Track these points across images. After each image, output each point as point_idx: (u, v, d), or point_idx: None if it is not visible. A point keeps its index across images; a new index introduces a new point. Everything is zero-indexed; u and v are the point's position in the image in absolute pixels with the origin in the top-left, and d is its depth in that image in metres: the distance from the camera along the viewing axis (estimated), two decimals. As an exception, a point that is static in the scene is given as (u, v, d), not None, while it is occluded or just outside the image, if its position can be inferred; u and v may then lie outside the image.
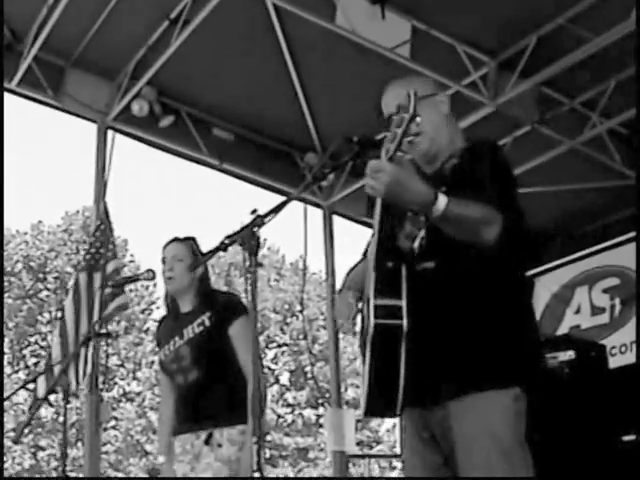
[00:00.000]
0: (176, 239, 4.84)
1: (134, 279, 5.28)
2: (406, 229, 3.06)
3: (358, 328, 3.18)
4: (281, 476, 29.24)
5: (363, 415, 3.01)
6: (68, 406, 5.11)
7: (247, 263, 2.92)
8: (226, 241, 3.02)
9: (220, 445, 4.44)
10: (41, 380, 7.86)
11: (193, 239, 4.86)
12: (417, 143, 3.11)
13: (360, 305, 3.20)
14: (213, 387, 4.54)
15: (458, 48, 8.63)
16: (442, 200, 2.74)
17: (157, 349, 4.90)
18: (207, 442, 4.48)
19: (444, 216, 2.76)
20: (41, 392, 7.62)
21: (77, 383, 7.80)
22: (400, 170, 2.75)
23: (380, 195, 2.81)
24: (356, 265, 3.45)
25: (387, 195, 2.77)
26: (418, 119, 2.78)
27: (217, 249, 3.08)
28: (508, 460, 2.83)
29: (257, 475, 2.77)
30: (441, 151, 3.18)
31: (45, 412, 26.73)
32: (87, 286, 8.18)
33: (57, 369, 7.81)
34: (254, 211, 2.99)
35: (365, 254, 3.45)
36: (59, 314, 26.10)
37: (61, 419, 5.04)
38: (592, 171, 10.20)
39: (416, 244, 3.04)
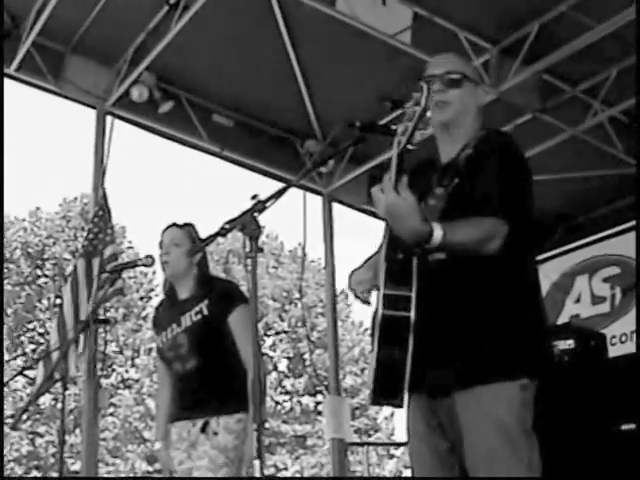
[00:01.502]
0: (175, 224, 4.83)
1: (133, 264, 5.27)
2: None
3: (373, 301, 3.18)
4: (281, 465, 29.29)
5: (370, 402, 3.01)
6: (66, 393, 5.10)
7: (247, 248, 2.90)
8: (226, 226, 3.01)
9: (216, 433, 4.43)
10: (40, 366, 7.85)
11: (192, 225, 4.84)
12: (443, 109, 3.14)
13: (372, 282, 3.22)
14: (211, 375, 4.53)
15: (460, 35, 8.58)
16: (438, 235, 2.74)
17: (155, 336, 4.88)
18: (203, 430, 4.47)
19: (441, 247, 2.78)
20: (39, 378, 7.60)
21: (76, 369, 7.78)
22: (396, 207, 2.73)
23: None
24: (372, 256, 3.42)
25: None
26: (429, 113, 2.79)
27: (217, 234, 3.07)
28: (514, 449, 2.83)
29: (257, 462, 2.76)
30: (459, 135, 3.19)
31: (43, 399, 26.71)
32: (85, 272, 8.16)
33: (55, 355, 7.79)
34: (254, 196, 2.98)
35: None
36: (57, 301, 26.02)
37: (59, 406, 5.03)
38: (593, 159, 10.19)
39: None
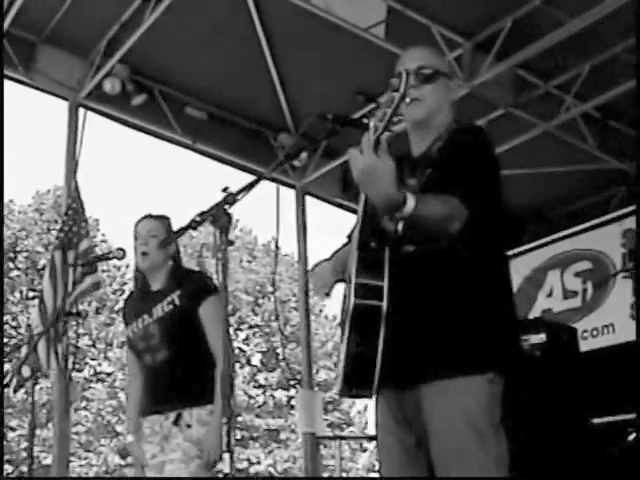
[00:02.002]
0: (150, 215, 4.79)
1: (105, 257, 5.25)
2: None
3: (335, 296, 3.18)
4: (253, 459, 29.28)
5: (339, 394, 3.00)
6: (37, 387, 5.07)
7: (218, 241, 2.88)
8: (197, 219, 2.99)
9: (189, 426, 4.41)
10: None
11: (168, 218, 4.81)
12: (415, 106, 3.13)
13: (338, 276, 3.21)
14: (182, 367, 4.50)
15: (433, 29, 8.59)
16: (410, 203, 2.71)
17: (125, 327, 4.85)
18: (176, 423, 4.45)
19: (410, 217, 2.74)
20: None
21: (47, 363, 7.75)
22: (374, 169, 2.69)
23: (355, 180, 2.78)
24: (341, 248, 3.42)
25: (359, 184, 2.75)
26: (407, 99, 2.79)
27: (188, 227, 3.05)
28: (482, 442, 2.82)
29: (227, 455, 2.75)
30: (432, 129, 3.18)
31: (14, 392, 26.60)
32: (62, 264, 8.13)
33: (24, 349, 7.75)
34: (225, 189, 2.97)
35: (350, 237, 3.43)
36: (30, 294, 25.77)
37: (31, 399, 5.01)
38: (566, 154, 10.23)
39: (399, 226, 3.02)
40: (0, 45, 7.94)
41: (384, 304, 2.81)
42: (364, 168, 2.69)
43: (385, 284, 2.83)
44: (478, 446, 2.81)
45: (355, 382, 2.89)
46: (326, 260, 3.34)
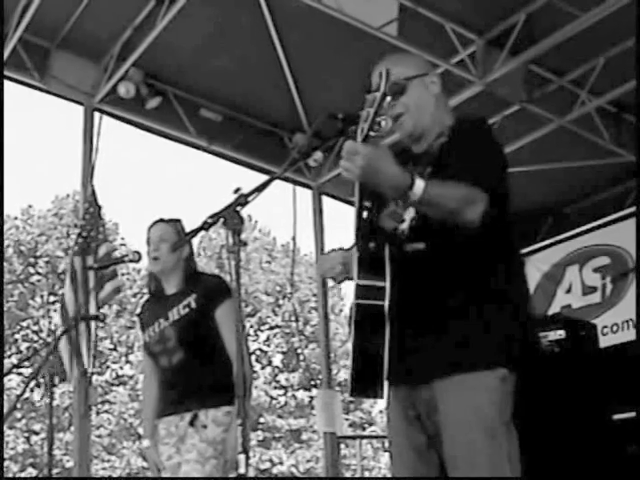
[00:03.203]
0: (161, 220, 4.80)
1: (120, 261, 5.26)
2: (389, 208, 3.02)
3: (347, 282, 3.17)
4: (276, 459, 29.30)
5: (349, 394, 2.99)
6: (58, 390, 5.09)
7: (230, 243, 2.89)
8: (209, 220, 2.99)
9: (205, 426, 4.42)
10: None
11: (179, 220, 4.82)
12: (402, 122, 3.11)
13: (347, 266, 3.18)
14: (198, 369, 4.52)
15: (446, 26, 8.58)
16: (419, 184, 2.70)
17: (141, 332, 4.86)
18: (192, 423, 4.46)
19: (422, 199, 2.72)
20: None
21: (71, 367, 7.79)
22: (375, 153, 2.69)
23: (355, 178, 2.76)
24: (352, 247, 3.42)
25: (362, 178, 2.74)
26: (388, 98, 2.77)
27: (199, 229, 3.05)
28: (493, 440, 2.82)
29: (243, 457, 2.75)
30: (428, 131, 3.15)
31: (38, 396, 26.74)
32: (82, 269, 8.17)
33: (46, 353, 7.78)
34: (237, 190, 2.96)
35: None
36: (51, 298, 25.89)
37: (54, 403, 5.03)
38: (581, 149, 10.18)
39: (405, 225, 3.02)
40: (0, 44, 7.98)
41: (386, 303, 2.81)
42: (365, 160, 2.67)
43: (387, 284, 2.83)
44: (489, 443, 2.81)
45: (363, 383, 2.90)
46: (341, 249, 3.32)
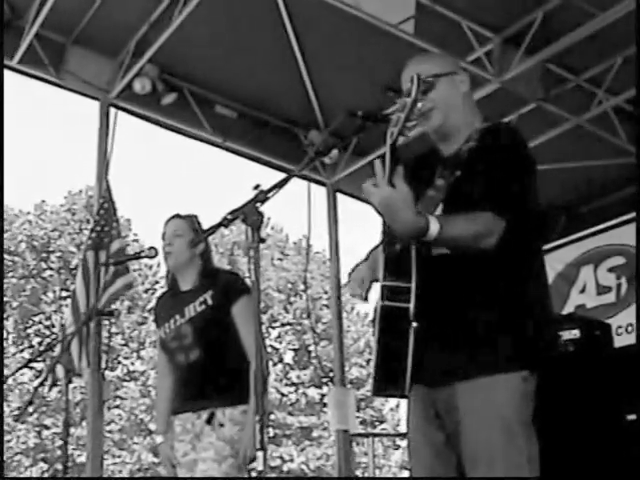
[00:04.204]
0: (177, 215, 4.82)
1: (136, 256, 5.28)
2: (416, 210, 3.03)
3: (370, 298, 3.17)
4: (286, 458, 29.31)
5: (372, 393, 3.02)
6: (71, 385, 5.10)
7: (249, 239, 2.88)
8: (228, 217, 2.99)
9: (222, 424, 4.42)
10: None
11: (195, 216, 4.83)
12: (430, 116, 3.12)
13: (375, 275, 3.18)
14: (215, 366, 4.52)
15: (463, 24, 8.56)
16: (434, 228, 2.74)
17: (157, 328, 4.87)
18: (209, 421, 4.46)
19: (437, 241, 2.78)
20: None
21: (79, 362, 7.80)
22: (390, 200, 2.72)
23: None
24: (378, 245, 3.43)
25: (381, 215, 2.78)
26: (419, 104, 2.77)
27: (219, 225, 3.06)
28: (512, 440, 2.82)
29: (261, 454, 2.75)
30: (456, 130, 3.16)
31: (49, 390, 26.80)
32: (95, 264, 8.18)
33: (58, 348, 7.79)
34: (257, 186, 2.96)
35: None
36: (63, 293, 25.93)
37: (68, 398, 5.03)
38: (598, 148, 10.15)
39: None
40: (0, 41, 7.98)
41: (411, 305, 2.82)
42: (381, 201, 2.72)
43: (413, 285, 2.84)
44: (509, 444, 2.82)
45: (387, 382, 2.92)
46: (364, 261, 3.32)
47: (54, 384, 7.53)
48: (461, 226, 2.82)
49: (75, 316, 8.01)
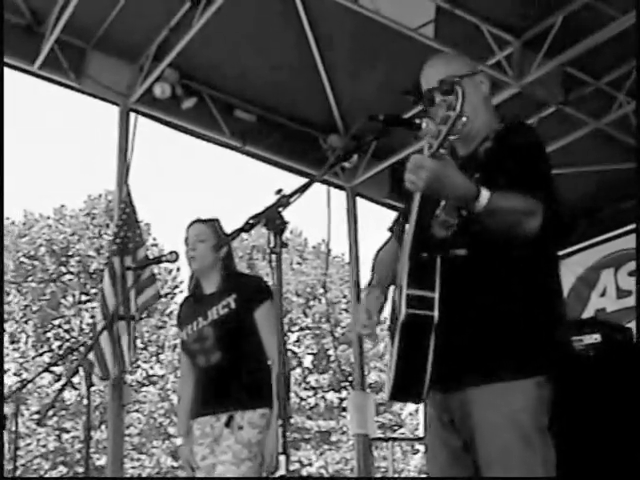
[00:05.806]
0: (199, 220, 4.85)
1: (157, 260, 5.29)
2: (440, 217, 3.00)
3: (381, 329, 3.16)
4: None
5: (388, 400, 3.00)
6: (92, 389, 5.12)
7: (271, 244, 2.89)
8: (251, 221, 2.99)
9: (241, 428, 4.44)
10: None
11: (217, 220, 4.86)
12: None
13: (383, 299, 3.21)
14: (235, 369, 4.54)
15: (482, 27, 8.55)
16: (485, 194, 2.72)
17: (179, 330, 4.89)
18: (228, 424, 4.47)
19: (487, 210, 2.74)
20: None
21: (113, 363, 7.82)
22: (442, 167, 2.69)
23: (419, 190, 2.77)
24: (383, 246, 3.42)
25: (427, 190, 2.74)
26: (464, 119, 2.73)
27: (241, 229, 3.06)
28: (528, 446, 2.82)
29: (283, 457, 2.75)
30: (476, 131, 3.15)
31: (69, 395, 26.88)
32: (121, 269, 8.20)
33: (82, 350, 7.81)
34: (279, 191, 2.97)
35: (391, 230, 3.43)
36: (83, 297, 25.98)
37: (85, 402, 5.05)
38: (617, 152, 10.11)
39: (450, 232, 3.00)
40: (0, 40, 8.00)
41: (435, 314, 2.80)
42: (430, 173, 2.67)
43: (436, 295, 2.82)
44: (524, 449, 2.81)
45: (404, 391, 2.91)
46: (371, 286, 3.31)
47: (91, 385, 7.55)
48: (512, 199, 2.79)
49: (105, 317, 8.02)
